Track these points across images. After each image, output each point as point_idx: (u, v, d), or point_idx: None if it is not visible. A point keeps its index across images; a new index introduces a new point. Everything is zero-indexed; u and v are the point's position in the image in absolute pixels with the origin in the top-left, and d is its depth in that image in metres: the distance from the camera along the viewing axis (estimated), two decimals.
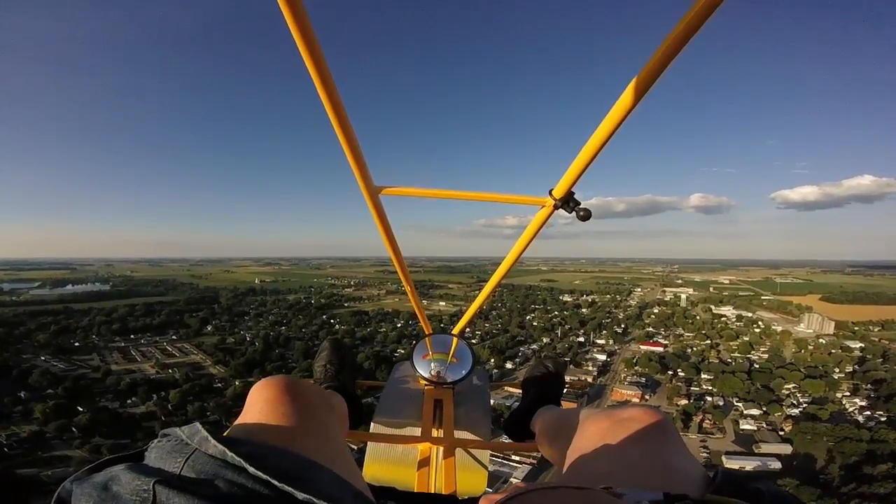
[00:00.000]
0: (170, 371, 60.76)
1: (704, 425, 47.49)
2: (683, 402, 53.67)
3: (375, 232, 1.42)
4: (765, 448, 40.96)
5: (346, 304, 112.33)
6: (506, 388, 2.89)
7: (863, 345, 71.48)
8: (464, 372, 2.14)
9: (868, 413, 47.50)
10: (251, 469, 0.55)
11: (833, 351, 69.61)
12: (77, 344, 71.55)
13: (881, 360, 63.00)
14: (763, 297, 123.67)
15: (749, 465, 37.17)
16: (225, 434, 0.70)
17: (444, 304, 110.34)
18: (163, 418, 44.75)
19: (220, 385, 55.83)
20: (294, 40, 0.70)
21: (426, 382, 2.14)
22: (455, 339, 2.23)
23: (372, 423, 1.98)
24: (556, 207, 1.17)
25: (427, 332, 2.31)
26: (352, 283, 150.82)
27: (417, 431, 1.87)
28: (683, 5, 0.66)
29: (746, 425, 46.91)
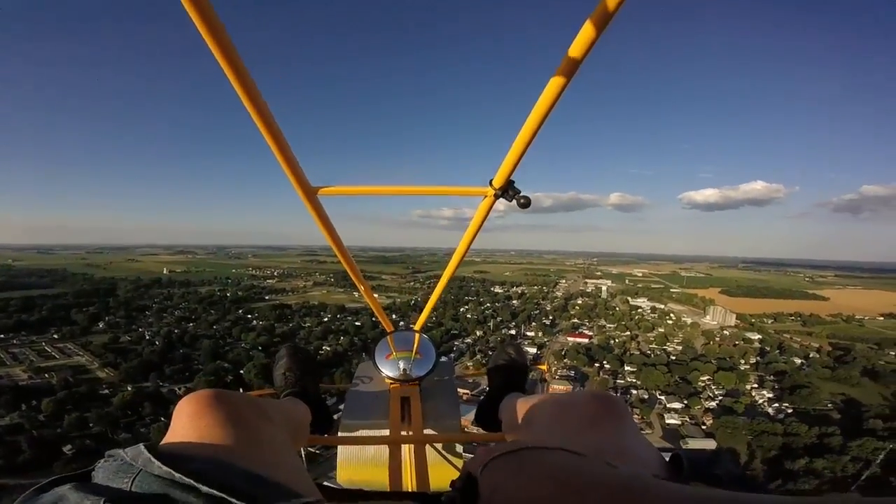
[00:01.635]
0: (45, 376, 52.16)
1: (634, 420, 48.75)
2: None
3: (314, 228, 1.44)
4: (692, 443, 42.26)
5: (266, 297, 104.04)
6: (470, 375, 2.79)
7: (761, 336, 78.82)
8: (428, 367, 2.12)
9: (776, 405, 51.21)
10: (203, 487, 0.56)
11: (737, 343, 75.76)
12: None
13: (778, 351, 69.48)
14: (672, 290, 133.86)
15: None
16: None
17: (376, 296, 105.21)
18: (33, 432, 38.06)
19: (107, 391, 48.61)
20: (203, 39, 0.69)
21: (391, 381, 2.11)
22: (417, 335, 2.22)
23: (339, 426, 1.93)
24: (496, 197, 1.23)
25: (389, 331, 2.26)
26: (275, 273, 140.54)
27: (387, 431, 1.86)
28: None
29: (671, 419, 48.79)
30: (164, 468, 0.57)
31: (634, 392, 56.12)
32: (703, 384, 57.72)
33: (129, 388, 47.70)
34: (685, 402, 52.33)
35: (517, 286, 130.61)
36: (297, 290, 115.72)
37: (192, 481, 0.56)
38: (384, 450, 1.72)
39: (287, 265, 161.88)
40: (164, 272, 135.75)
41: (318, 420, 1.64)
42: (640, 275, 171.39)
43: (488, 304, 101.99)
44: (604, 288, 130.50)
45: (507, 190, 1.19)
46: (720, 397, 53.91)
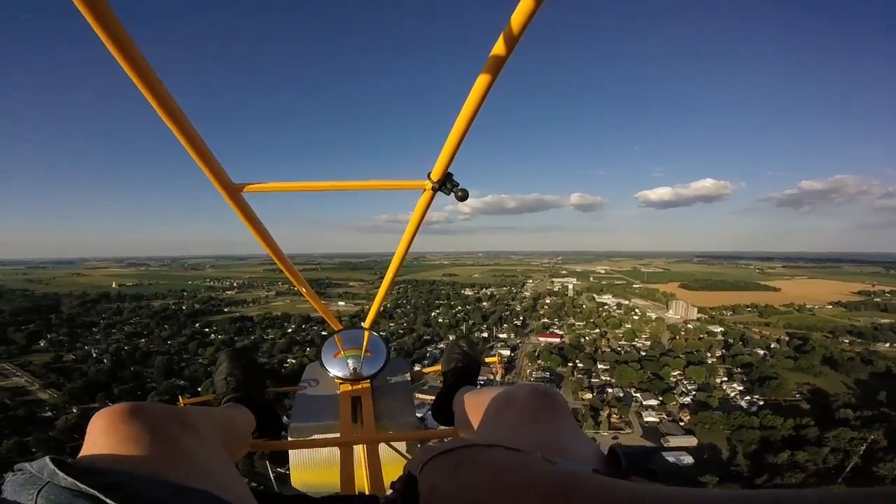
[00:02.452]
0: None
1: (612, 420, 48.61)
2: (588, 395, 54.95)
3: (241, 227, 1.40)
4: (672, 441, 42.44)
5: (225, 310, 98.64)
6: (425, 372, 2.58)
7: (723, 329, 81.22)
8: (379, 365, 2.10)
9: (748, 398, 52.18)
10: (108, 500, 0.54)
11: (702, 336, 77.60)
12: None
13: (741, 343, 71.54)
14: (634, 286, 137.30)
15: None
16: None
17: (343, 303, 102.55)
18: None
19: (50, 414, 45.08)
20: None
21: (341, 381, 2.07)
22: (367, 333, 2.19)
23: (289, 430, 1.88)
24: (434, 190, 1.22)
25: (336, 329, 2.22)
26: (235, 284, 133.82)
27: (338, 433, 1.84)
28: None
29: (650, 417, 48.87)
30: (70, 480, 0.56)
31: (610, 390, 56.19)
32: (675, 379, 58.51)
33: (75, 410, 44.21)
34: (660, 398, 52.72)
35: (486, 288, 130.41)
36: (258, 301, 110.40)
37: (96, 493, 0.55)
38: (338, 451, 1.69)
39: (248, 275, 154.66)
40: (114, 286, 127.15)
41: (264, 425, 1.61)
42: (603, 272, 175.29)
43: (459, 308, 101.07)
44: (570, 286, 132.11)
45: (445, 182, 1.19)
46: (693, 392, 54.59)
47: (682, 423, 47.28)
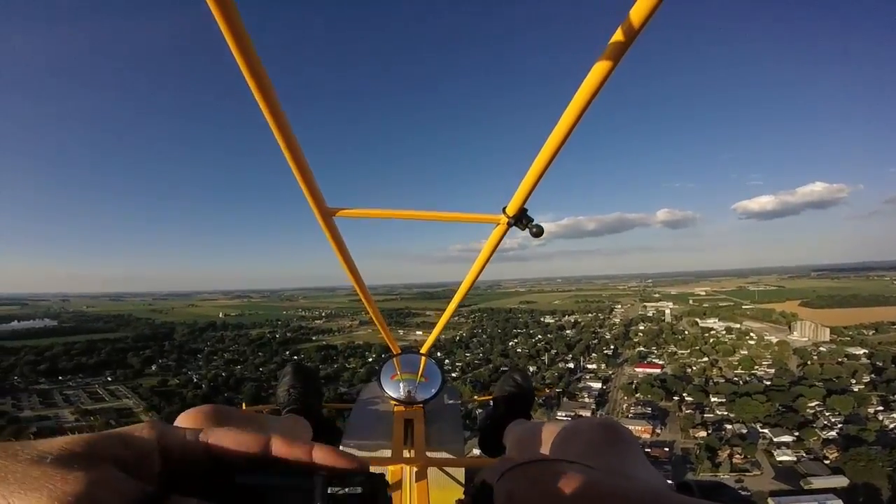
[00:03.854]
0: (90, 418, 52.56)
1: (735, 460, 41.15)
2: (702, 433, 47.64)
3: (332, 255, 1.47)
4: (816, 483, 35.25)
5: (313, 338, 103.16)
6: (476, 400, 2.75)
7: (867, 351, 67.93)
8: (433, 391, 2.12)
9: None
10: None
11: (841, 360, 65.75)
12: None
13: (895, 366, 58.84)
14: (745, 307, 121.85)
15: None
16: None
17: (420, 332, 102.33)
18: None
19: None
20: (238, 65, 0.69)
21: (395, 402, 2.11)
22: (423, 359, 2.22)
23: (341, 446, 1.91)
24: (509, 225, 1.21)
25: (395, 353, 2.28)
26: (323, 314, 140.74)
27: (389, 452, 1.87)
28: (622, 14, 0.68)
29: (783, 456, 41.10)
30: None
31: (729, 427, 48.50)
32: (812, 411, 49.30)
33: None
34: (796, 434, 44.22)
35: (569, 315, 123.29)
36: (343, 330, 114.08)
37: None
38: (385, 471, 1.70)
39: (335, 305, 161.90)
40: (220, 316, 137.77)
41: (320, 438, 1.69)
42: (703, 293, 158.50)
43: (540, 336, 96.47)
44: (666, 310, 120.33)
45: (521, 218, 1.17)
46: (839, 425, 45.64)
47: (827, 462, 38.89)
